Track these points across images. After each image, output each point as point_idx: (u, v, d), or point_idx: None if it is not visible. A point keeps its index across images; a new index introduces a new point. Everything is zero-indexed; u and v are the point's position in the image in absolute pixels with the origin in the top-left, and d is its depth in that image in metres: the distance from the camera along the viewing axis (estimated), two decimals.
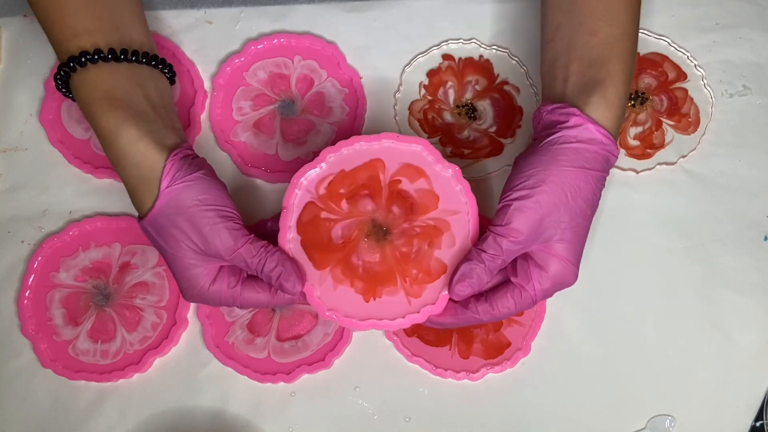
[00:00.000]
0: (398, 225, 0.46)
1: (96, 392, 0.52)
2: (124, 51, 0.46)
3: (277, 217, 0.47)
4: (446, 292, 0.45)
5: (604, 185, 0.44)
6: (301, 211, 0.46)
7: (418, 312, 0.45)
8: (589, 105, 0.44)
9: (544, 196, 0.42)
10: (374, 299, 0.45)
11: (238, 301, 0.45)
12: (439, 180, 0.46)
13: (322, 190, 0.46)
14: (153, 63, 0.47)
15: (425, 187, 0.46)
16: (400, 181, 0.46)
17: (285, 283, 0.44)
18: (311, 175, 0.47)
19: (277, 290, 0.45)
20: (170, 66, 0.49)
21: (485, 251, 0.43)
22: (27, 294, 0.53)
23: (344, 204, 0.46)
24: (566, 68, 0.46)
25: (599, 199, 0.45)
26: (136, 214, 0.54)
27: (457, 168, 0.46)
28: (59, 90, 0.48)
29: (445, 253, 0.45)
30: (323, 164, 0.47)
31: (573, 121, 0.43)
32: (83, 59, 0.45)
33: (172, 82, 0.50)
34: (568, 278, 0.44)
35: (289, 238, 0.46)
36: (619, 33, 0.45)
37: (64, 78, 0.46)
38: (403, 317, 0.45)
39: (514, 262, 0.45)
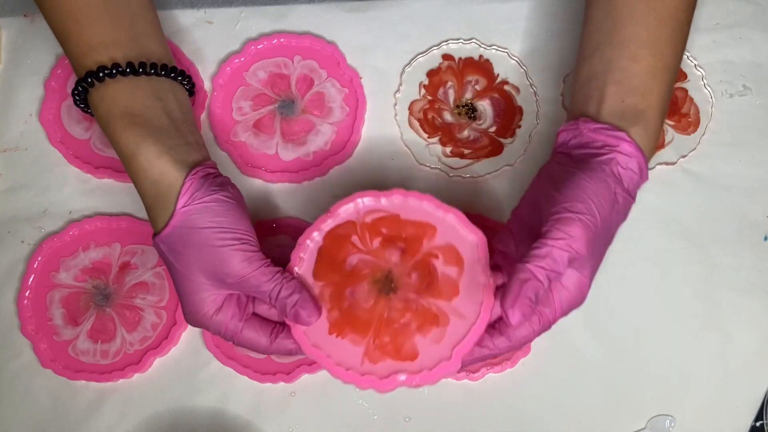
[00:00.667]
0: (406, 291, 0.44)
1: (96, 392, 0.52)
2: (142, 64, 0.45)
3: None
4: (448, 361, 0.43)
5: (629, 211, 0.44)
6: (339, 224, 0.46)
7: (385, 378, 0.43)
8: (633, 133, 0.43)
9: (602, 216, 0.40)
10: (336, 336, 0.44)
11: (236, 337, 0.44)
12: (470, 280, 0.44)
13: (368, 219, 0.46)
14: (172, 75, 0.47)
15: (453, 276, 0.44)
16: (437, 257, 0.45)
17: (301, 311, 0.42)
18: (369, 202, 0.46)
19: (277, 337, 0.44)
20: (189, 77, 0.48)
21: (545, 268, 0.38)
22: (27, 294, 0.53)
23: (377, 242, 0.45)
24: (602, 89, 0.45)
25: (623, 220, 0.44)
26: (136, 214, 0.55)
27: (497, 282, 0.44)
28: (77, 105, 0.47)
29: (424, 343, 0.43)
30: (385, 199, 0.46)
31: (624, 148, 0.42)
32: (101, 74, 0.44)
33: (191, 93, 0.50)
34: (581, 299, 0.42)
35: (315, 236, 0.45)
36: (661, 65, 0.44)
37: (82, 93, 0.45)
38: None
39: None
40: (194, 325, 0.44)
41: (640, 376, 0.51)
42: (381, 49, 0.58)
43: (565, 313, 0.42)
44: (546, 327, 0.42)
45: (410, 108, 0.57)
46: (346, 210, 0.46)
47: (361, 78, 0.58)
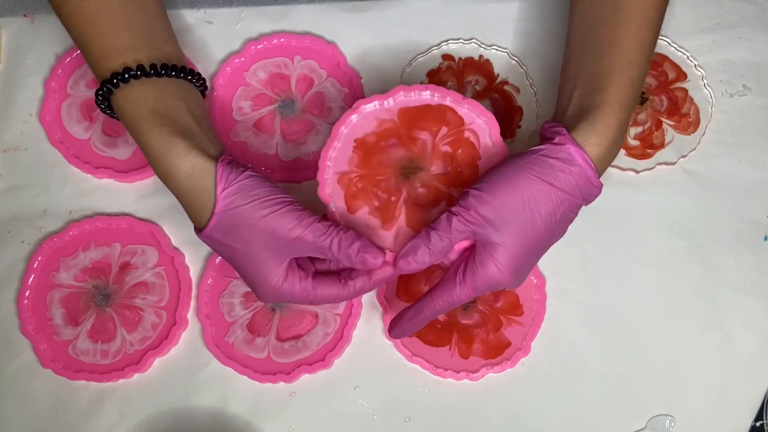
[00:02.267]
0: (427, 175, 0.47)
1: (96, 392, 0.52)
2: (164, 66, 0.46)
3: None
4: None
5: (576, 213, 0.44)
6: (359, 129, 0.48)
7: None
8: (576, 129, 0.44)
9: (503, 194, 0.42)
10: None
11: (311, 295, 0.45)
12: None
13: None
14: (189, 77, 0.48)
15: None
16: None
17: (367, 255, 0.44)
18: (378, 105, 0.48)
19: (346, 282, 0.45)
20: (204, 80, 0.50)
21: (435, 229, 0.43)
22: (27, 294, 0.53)
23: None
24: (571, 92, 0.47)
25: (563, 222, 0.44)
26: (136, 214, 0.55)
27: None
28: (99, 106, 0.48)
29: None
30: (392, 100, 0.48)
31: (558, 139, 0.43)
32: (126, 75, 0.45)
33: (203, 95, 0.51)
34: (503, 282, 0.43)
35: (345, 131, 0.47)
36: (623, 61, 0.45)
37: (105, 95, 0.46)
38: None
39: (459, 257, 0.46)
40: (268, 300, 0.45)
41: (640, 376, 0.51)
42: (381, 49, 0.58)
43: (478, 286, 0.44)
44: (464, 294, 0.44)
45: None
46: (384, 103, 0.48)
47: (361, 78, 0.58)
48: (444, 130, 0.47)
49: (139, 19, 0.47)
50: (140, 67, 0.45)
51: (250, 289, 0.52)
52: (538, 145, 0.45)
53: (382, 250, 0.45)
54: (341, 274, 0.46)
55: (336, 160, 0.47)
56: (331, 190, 0.47)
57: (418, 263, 0.44)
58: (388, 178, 0.47)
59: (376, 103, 0.47)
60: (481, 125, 0.47)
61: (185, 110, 0.46)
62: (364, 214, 0.47)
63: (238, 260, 0.44)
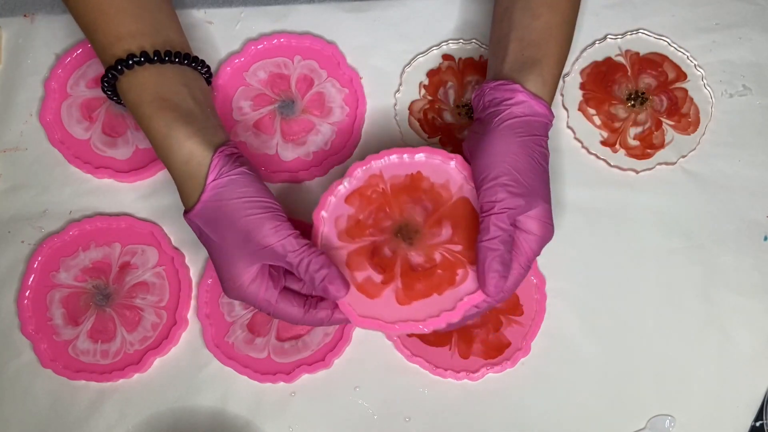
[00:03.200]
0: (425, 240, 0.46)
1: (96, 392, 0.52)
2: (168, 53, 0.47)
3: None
4: (464, 299, 0.44)
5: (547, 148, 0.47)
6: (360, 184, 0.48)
7: (438, 316, 0.44)
8: (528, 82, 0.46)
9: (520, 167, 0.44)
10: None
11: (272, 307, 0.45)
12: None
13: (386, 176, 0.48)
14: (194, 64, 0.49)
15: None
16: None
17: (330, 286, 0.43)
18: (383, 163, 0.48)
19: (310, 308, 0.45)
20: (208, 67, 0.51)
21: (495, 237, 0.43)
22: (27, 294, 0.53)
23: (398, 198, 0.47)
24: (506, 48, 0.48)
25: (548, 160, 0.47)
26: (136, 214, 0.55)
27: None
28: (105, 92, 0.49)
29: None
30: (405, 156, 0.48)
31: (518, 97, 0.46)
32: (130, 62, 0.46)
33: (208, 82, 0.51)
34: (550, 234, 0.45)
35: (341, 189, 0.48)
36: (559, 20, 0.48)
37: (111, 81, 0.47)
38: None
39: None
40: (231, 296, 0.45)
41: (640, 376, 0.51)
42: (381, 49, 0.58)
43: (537, 252, 0.45)
44: (527, 268, 0.45)
45: (410, 108, 0.57)
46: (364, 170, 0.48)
47: (361, 78, 0.58)
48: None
49: (144, 7, 0.48)
50: (144, 53, 0.46)
51: None
52: (492, 109, 0.46)
53: (347, 284, 0.44)
54: (309, 299, 0.46)
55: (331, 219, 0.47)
56: (327, 223, 0.47)
57: (505, 274, 0.43)
58: (387, 236, 0.46)
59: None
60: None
61: (189, 96, 0.47)
62: (360, 265, 0.46)
63: (214, 251, 0.45)
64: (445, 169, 0.48)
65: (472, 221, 0.46)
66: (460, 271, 0.45)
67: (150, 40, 0.47)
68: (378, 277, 0.45)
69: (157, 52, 0.46)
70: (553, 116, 0.47)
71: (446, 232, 0.46)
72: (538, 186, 0.45)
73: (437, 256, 0.45)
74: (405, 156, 0.48)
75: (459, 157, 0.48)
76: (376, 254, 0.46)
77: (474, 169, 0.46)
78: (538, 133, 0.45)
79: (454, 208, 0.47)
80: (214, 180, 0.44)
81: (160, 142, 0.45)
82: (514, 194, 0.43)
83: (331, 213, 0.47)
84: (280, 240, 0.43)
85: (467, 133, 0.50)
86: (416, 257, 0.46)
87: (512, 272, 0.44)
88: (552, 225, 0.45)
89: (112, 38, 0.46)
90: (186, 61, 0.48)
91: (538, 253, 0.45)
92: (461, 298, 0.44)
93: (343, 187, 0.48)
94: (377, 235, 0.46)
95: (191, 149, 0.44)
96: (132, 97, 0.46)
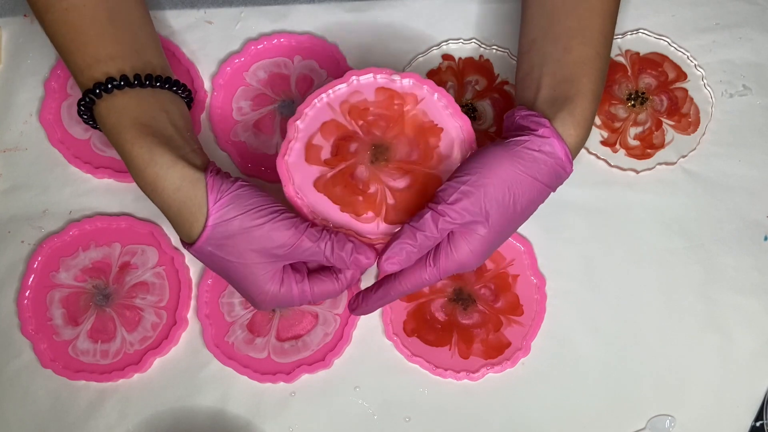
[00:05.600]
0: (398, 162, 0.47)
1: (96, 392, 0.52)
2: (149, 76, 0.45)
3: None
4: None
5: (544, 200, 0.45)
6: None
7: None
8: (556, 119, 0.44)
9: (491, 189, 0.42)
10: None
11: (308, 295, 0.45)
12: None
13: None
14: (174, 88, 0.47)
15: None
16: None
17: (360, 256, 0.44)
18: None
19: (339, 273, 0.46)
20: (189, 91, 0.49)
21: (422, 230, 0.42)
22: (27, 294, 0.53)
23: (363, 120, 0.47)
24: (539, 80, 0.47)
25: (533, 211, 0.45)
26: (136, 214, 0.55)
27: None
28: (81, 116, 0.47)
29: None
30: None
31: (542, 131, 0.43)
32: (109, 85, 0.44)
33: (189, 106, 0.50)
34: (471, 265, 0.44)
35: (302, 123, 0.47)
36: (592, 53, 0.46)
37: (88, 105, 0.45)
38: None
39: None
40: (267, 307, 0.45)
41: (640, 376, 0.51)
42: (381, 49, 0.58)
43: (449, 269, 0.44)
44: (433, 278, 0.44)
45: None
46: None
47: None
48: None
49: (124, 29, 0.46)
50: (124, 77, 0.44)
51: None
52: (516, 132, 0.45)
53: (373, 248, 0.45)
54: (332, 270, 0.46)
55: (297, 151, 0.47)
56: (307, 196, 0.47)
57: (403, 265, 0.43)
58: (360, 168, 0.47)
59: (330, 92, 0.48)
60: (431, 100, 0.48)
61: (168, 121, 0.45)
62: (347, 213, 0.46)
63: (232, 272, 0.44)
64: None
65: (426, 131, 0.47)
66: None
67: (130, 64, 0.45)
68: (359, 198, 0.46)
69: (137, 76, 0.45)
70: (571, 168, 0.44)
71: (405, 148, 0.47)
72: (494, 223, 0.43)
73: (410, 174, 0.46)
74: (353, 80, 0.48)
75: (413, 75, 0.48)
76: (352, 178, 0.47)
77: (463, 163, 0.45)
78: (540, 178, 0.43)
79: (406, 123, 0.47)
80: (217, 201, 0.43)
81: (142, 170, 0.43)
82: (471, 211, 0.42)
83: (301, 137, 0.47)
84: (302, 234, 0.43)
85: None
86: (397, 181, 0.47)
87: (417, 276, 0.44)
88: (480, 260, 0.44)
89: (91, 60, 0.45)
90: (167, 85, 0.46)
91: (449, 273, 0.44)
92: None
93: (301, 122, 0.48)
94: (349, 158, 0.47)
95: (181, 174, 0.43)
96: (110, 123, 0.44)
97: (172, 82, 0.47)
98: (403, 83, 0.48)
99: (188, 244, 0.44)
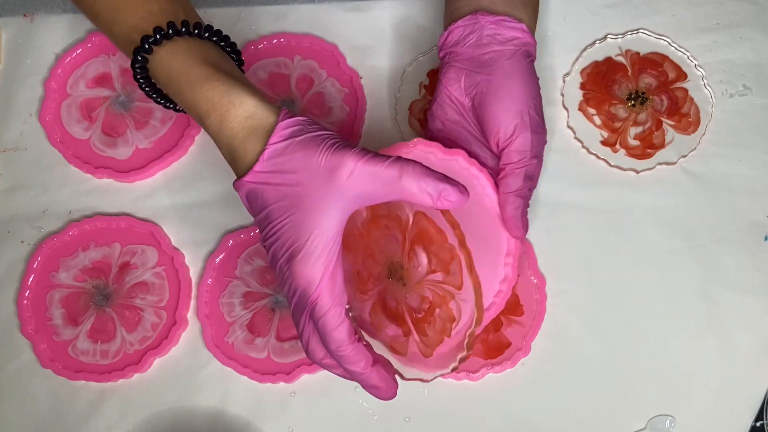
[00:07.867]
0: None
1: (96, 392, 0.52)
2: (209, 27, 0.44)
3: None
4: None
5: None
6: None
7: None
8: (524, 21, 0.48)
9: (533, 111, 0.47)
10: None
11: (343, 334, 0.40)
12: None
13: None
14: (229, 49, 0.46)
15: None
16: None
17: (452, 187, 0.39)
18: None
19: (375, 362, 0.41)
20: (239, 52, 0.48)
21: (522, 187, 0.46)
22: (27, 294, 0.53)
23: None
24: None
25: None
26: (136, 214, 0.55)
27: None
28: (136, 79, 0.45)
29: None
30: None
31: (527, 39, 0.48)
32: (171, 31, 0.43)
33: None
34: (535, 168, 0.48)
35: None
36: None
37: (147, 51, 0.43)
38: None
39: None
40: (308, 263, 0.38)
41: (640, 376, 0.51)
42: (381, 49, 0.58)
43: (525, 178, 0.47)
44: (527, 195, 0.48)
45: (410, 108, 0.57)
46: None
47: (361, 78, 0.58)
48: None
49: None
50: (184, 22, 0.43)
51: (250, 289, 0.52)
52: (496, 41, 0.47)
53: (395, 382, 0.42)
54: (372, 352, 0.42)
55: None
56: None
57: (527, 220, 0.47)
58: (384, 283, 0.45)
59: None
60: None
61: (232, 65, 0.44)
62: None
63: (286, 204, 0.39)
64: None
65: (436, 236, 0.42)
66: (452, 305, 0.43)
67: (182, 18, 0.44)
68: (397, 330, 0.44)
69: (197, 24, 0.43)
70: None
71: (423, 260, 0.43)
72: (541, 123, 0.48)
73: (428, 293, 0.43)
74: None
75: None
76: (386, 306, 0.45)
77: (499, 113, 0.46)
78: (531, 63, 0.48)
79: (416, 228, 0.43)
80: (285, 120, 0.40)
81: (219, 99, 0.41)
82: (531, 138, 0.46)
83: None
84: (371, 157, 0.38)
85: (446, 71, 0.49)
86: (413, 300, 0.44)
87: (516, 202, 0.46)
88: (537, 158, 0.47)
89: (144, 13, 0.44)
90: (223, 43, 0.45)
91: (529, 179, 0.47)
92: (464, 333, 0.42)
93: None
94: (377, 284, 0.45)
95: (256, 104, 0.40)
96: (176, 65, 0.42)
97: (229, 41, 0.46)
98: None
99: (243, 173, 0.40)
